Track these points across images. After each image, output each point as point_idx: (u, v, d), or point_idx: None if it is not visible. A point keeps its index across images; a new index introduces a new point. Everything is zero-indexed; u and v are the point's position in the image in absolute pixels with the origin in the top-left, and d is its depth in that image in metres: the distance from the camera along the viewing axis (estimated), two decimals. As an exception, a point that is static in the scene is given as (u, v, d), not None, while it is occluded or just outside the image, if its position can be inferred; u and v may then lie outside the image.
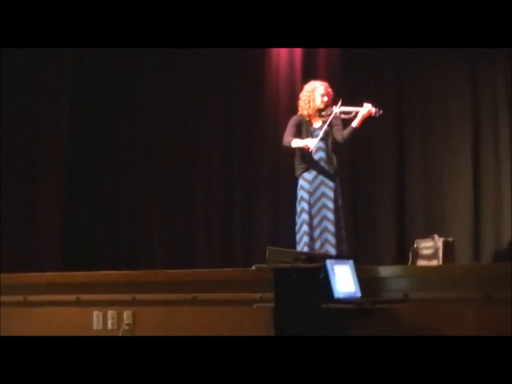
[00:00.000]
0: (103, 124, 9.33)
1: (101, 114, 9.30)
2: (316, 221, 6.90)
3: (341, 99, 6.85)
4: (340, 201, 6.97)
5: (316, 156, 6.94)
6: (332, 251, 6.80)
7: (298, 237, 6.96)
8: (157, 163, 9.25)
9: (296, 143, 6.94)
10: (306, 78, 8.33)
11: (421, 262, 7.00)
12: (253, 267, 5.95)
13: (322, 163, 6.94)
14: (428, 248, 7.05)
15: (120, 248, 9.18)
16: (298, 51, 8.74)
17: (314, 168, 6.94)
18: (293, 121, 7.10)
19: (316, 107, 6.99)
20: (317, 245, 6.88)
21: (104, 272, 7.09)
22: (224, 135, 9.06)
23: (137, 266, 8.84)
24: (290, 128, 7.06)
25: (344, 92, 7.26)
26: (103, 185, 9.27)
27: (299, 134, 7.00)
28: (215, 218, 9.00)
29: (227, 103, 9.05)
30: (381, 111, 6.82)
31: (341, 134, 6.88)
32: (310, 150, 6.85)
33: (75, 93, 9.26)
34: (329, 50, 8.62)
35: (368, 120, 6.88)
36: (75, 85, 9.27)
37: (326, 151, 6.95)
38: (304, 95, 7.07)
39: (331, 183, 6.93)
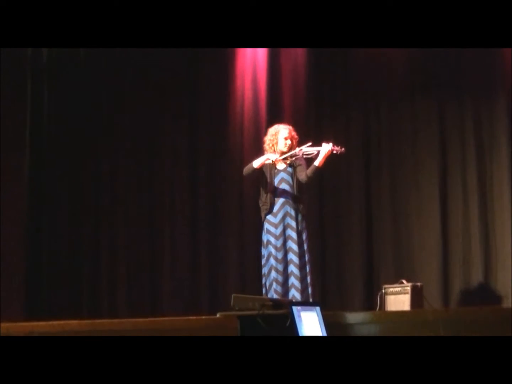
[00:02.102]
0: (64, 163, 9.15)
1: (63, 155, 9.13)
2: (282, 265, 6.81)
3: (310, 143, 6.82)
4: (306, 245, 6.88)
5: (281, 198, 6.87)
6: (299, 296, 6.71)
7: (267, 282, 6.87)
8: (121, 203, 9.06)
9: (257, 162, 6.91)
10: (271, 117, 8.37)
11: (390, 308, 6.91)
12: (218, 315, 5.83)
13: (288, 206, 6.86)
14: (396, 293, 6.98)
15: (82, 295, 8.97)
16: (263, 89, 8.70)
17: (279, 211, 6.85)
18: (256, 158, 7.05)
19: (280, 150, 6.94)
20: (284, 290, 6.79)
21: (64, 322, 6.89)
22: (189, 176, 8.94)
23: (100, 313, 8.65)
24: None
25: (310, 130, 7.20)
26: (65, 228, 9.08)
27: (262, 175, 6.95)
28: (181, 261, 8.84)
29: (192, 142, 8.95)
30: (343, 149, 6.81)
31: (304, 174, 6.82)
32: (272, 162, 6.84)
33: (35, 137, 9.10)
34: (295, 87, 8.61)
35: (334, 161, 6.88)
36: (34, 130, 9.12)
37: (292, 193, 6.88)
38: (268, 138, 7.05)
39: (297, 226, 6.83)
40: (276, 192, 6.87)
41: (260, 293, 6.97)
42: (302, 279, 6.78)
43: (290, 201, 6.86)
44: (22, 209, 8.98)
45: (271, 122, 8.32)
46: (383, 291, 7.15)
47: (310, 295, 6.83)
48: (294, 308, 5.47)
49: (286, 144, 6.94)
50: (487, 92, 8.00)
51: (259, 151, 8.05)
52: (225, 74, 8.82)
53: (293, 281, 6.77)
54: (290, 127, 7.02)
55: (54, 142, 9.08)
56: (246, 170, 7.03)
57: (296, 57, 8.66)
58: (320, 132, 7.37)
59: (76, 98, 9.06)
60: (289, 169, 6.89)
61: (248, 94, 8.74)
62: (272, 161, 6.88)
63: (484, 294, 7.74)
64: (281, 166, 6.95)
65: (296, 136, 6.99)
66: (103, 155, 9.12)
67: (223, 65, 8.83)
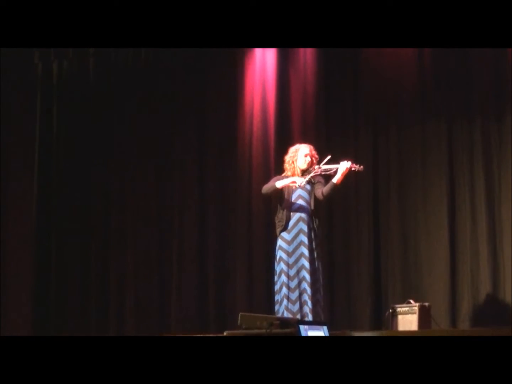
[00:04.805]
0: (74, 180, 9.18)
1: (71, 172, 9.17)
2: (294, 283, 6.81)
3: (329, 156, 6.85)
4: (317, 263, 6.89)
5: (296, 215, 6.88)
6: (310, 313, 6.72)
7: (278, 298, 6.87)
8: (130, 220, 9.10)
9: (281, 183, 6.94)
10: (280, 135, 8.39)
11: (397, 328, 6.88)
12: (224, 333, 5.82)
13: (302, 223, 6.87)
14: (404, 313, 6.95)
15: (91, 312, 8.98)
16: (272, 107, 8.72)
17: (293, 228, 6.87)
18: (276, 177, 7.09)
19: (299, 168, 6.98)
20: (296, 307, 6.78)
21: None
22: (198, 193, 8.96)
23: (108, 330, 8.65)
24: (272, 181, 7.05)
25: (320, 151, 7.20)
26: (73, 246, 9.10)
27: (281, 192, 6.97)
28: (189, 278, 8.84)
29: (201, 160, 8.98)
30: (361, 167, 6.84)
31: (321, 191, 6.85)
32: (297, 186, 6.84)
33: (43, 156, 9.14)
34: (304, 108, 8.62)
35: (344, 180, 6.86)
36: (43, 147, 9.15)
37: (307, 210, 6.90)
38: (288, 156, 7.10)
39: (310, 244, 6.85)
40: (292, 209, 6.90)
41: (269, 310, 6.96)
42: (313, 296, 6.78)
43: (305, 218, 6.88)
44: (31, 226, 9.02)
45: (279, 140, 8.40)
46: (390, 310, 7.13)
47: (320, 312, 6.83)
48: (302, 327, 5.47)
49: (305, 161, 6.99)
50: (496, 112, 7.98)
51: (267, 169, 8.08)
52: (234, 92, 8.86)
53: (305, 298, 6.78)
54: (311, 146, 7.08)
55: (62, 159, 9.13)
56: (266, 188, 7.03)
57: (305, 75, 8.68)
58: (330, 151, 7.36)
59: (85, 114, 9.11)
60: (307, 187, 6.93)
61: (257, 112, 8.77)
62: (298, 186, 6.88)
63: (492, 314, 7.70)
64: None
65: (316, 156, 7.03)
66: (113, 174, 9.17)
67: (232, 83, 8.87)
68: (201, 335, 6.35)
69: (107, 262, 9.07)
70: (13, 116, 8.96)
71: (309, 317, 6.70)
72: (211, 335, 6.34)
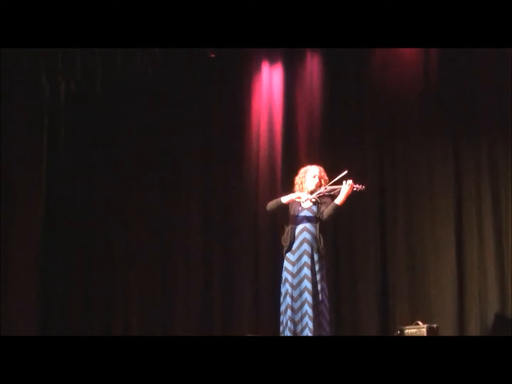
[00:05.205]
0: (79, 186, 9.19)
1: (76, 177, 9.19)
2: (297, 304, 6.81)
3: (346, 171, 6.85)
4: (321, 284, 6.86)
5: (301, 236, 6.88)
6: (311, 335, 6.69)
7: (283, 319, 6.86)
8: (134, 229, 9.08)
9: (286, 198, 6.96)
10: (286, 157, 8.37)
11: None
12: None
13: (306, 244, 6.86)
14: (412, 334, 6.94)
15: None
16: (278, 128, 8.72)
17: (298, 249, 6.87)
18: (283, 195, 7.10)
19: (307, 188, 7.00)
20: (299, 328, 6.77)
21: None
22: (203, 211, 8.95)
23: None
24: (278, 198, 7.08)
25: (327, 170, 7.19)
26: (79, 250, 9.10)
27: (286, 212, 6.98)
28: (194, 295, 8.83)
29: (206, 178, 8.98)
30: (363, 187, 6.83)
31: (325, 211, 6.86)
32: (302, 201, 6.87)
33: (51, 160, 9.16)
34: (310, 127, 8.63)
35: (350, 198, 6.87)
36: (51, 155, 9.19)
37: (312, 232, 6.90)
38: (298, 177, 7.13)
39: (314, 266, 6.84)
40: (297, 230, 6.90)
41: (276, 330, 6.96)
42: (315, 318, 6.75)
43: (310, 239, 6.87)
44: (36, 226, 9.03)
45: (286, 159, 8.41)
46: (398, 332, 7.11)
47: (324, 335, 6.79)
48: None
49: (313, 182, 7.01)
50: (502, 129, 7.97)
51: (274, 187, 8.06)
52: (240, 110, 8.88)
53: (307, 320, 6.75)
54: (321, 168, 7.10)
55: (69, 177, 9.14)
56: (272, 204, 7.05)
57: (312, 94, 8.69)
58: (335, 170, 7.36)
59: (92, 134, 9.14)
60: (314, 208, 6.94)
61: (263, 131, 8.82)
62: (303, 200, 6.90)
63: (501, 333, 7.66)
64: (306, 204, 6.96)
65: (326, 178, 7.04)
66: (117, 184, 9.18)
67: (239, 101, 8.90)
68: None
69: (111, 267, 9.04)
70: (20, 137, 8.97)
71: None
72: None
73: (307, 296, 6.78)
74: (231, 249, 8.79)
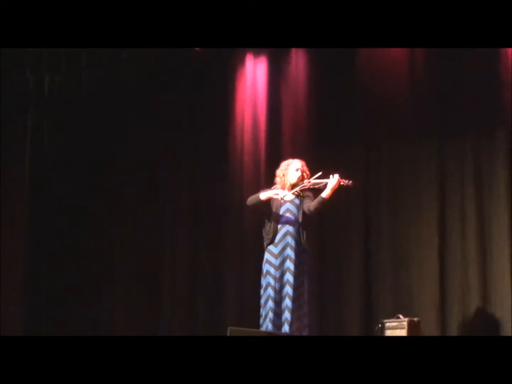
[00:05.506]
0: (65, 192, 9.21)
1: (63, 183, 9.18)
2: (279, 296, 6.85)
3: (320, 172, 6.90)
4: (302, 278, 6.90)
5: (284, 229, 6.91)
6: (288, 329, 6.72)
7: (263, 312, 6.88)
8: (121, 228, 9.17)
9: (265, 194, 6.98)
10: (270, 153, 8.40)
11: (387, 342, 6.87)
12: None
13: (289, 236, 6.90)
14: (393, 328, 6.98)
15: (82, 315, 8.98)
16: (262, 124, 8.75)
17: (281, 241, 6.90)
18: (263, 190, 7.11)
19: (289, 181, 7.02)
20: (280, 321, 6.82)
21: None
22: (190, 206, 9.02)
23: (99, 332, 8.67)
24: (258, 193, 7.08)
25: (311, 166, 7.22)
26: (65, 249, 9.12)
27: (268, 204, 7.00)
28: (180, 290, 8.87)
29: (191, 174, 9.06)
30: (350, 182, 6.89)
31: (311, 205, 6.89)
32: (281, 199, 6.89)
33: (35, 168, 9.18)
34: (295, 123, 8.65)
35: (336, 193, 6.90)
36: (34, 162, 9.17)
37: (295, 225, 6.94)
38: (279, 170, 7.16)
39: (298, 258, 6.86)
40: (280, 222, 6.94)
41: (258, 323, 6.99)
42: (294, 311, 6.79)
43: (293, 232, 6.91)
44: (23, 226, 9.04)
45: (270, 155, 8.46)
46: (380, 325, 7.16)
47: (302, 328, 6.83)
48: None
49: (296, 175, 7.03)
50: (488, 129, 8.01)
51: (258, 183, 8.09)
52: (225, 107, 8.94)
53: (286, 315, 6.79)
54: (303, 162, 7.12)
55: (53, 173, 9.15)
56: (251, 200, 7.07)
57: (297, 90, 8.71)
58: (321, 166, 7.41)
59: (77, 128, 9.14)
60: (296, 201, 6.98)
61: (247, 127, 8.86)
62: (281, 197, 6.92)
63: (481, 329, 7.72)
64: (288, 197, 7.00)
65: (307, 172, 7.07)
66: (106, 182, 9.24)
67: (223, 97, 8.95)
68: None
69: (99, 266, 9.09)
70: (3, 131, 8.96)
71: (288, 333, 6.69)
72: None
73: (289, 289, 6.82)
74: (216, 245, 8.84)
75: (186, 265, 8.91)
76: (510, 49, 7.87)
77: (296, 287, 6.84)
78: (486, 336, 7.14)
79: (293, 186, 7.02)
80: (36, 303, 9.00)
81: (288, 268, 6.85)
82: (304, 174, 7.07)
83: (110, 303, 9.04)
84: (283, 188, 7.03)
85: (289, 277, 6.84)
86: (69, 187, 9.22)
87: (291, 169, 7.07)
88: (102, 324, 8.94)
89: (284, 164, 7.15)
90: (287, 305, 6.79)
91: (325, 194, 6.86)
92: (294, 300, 6.80)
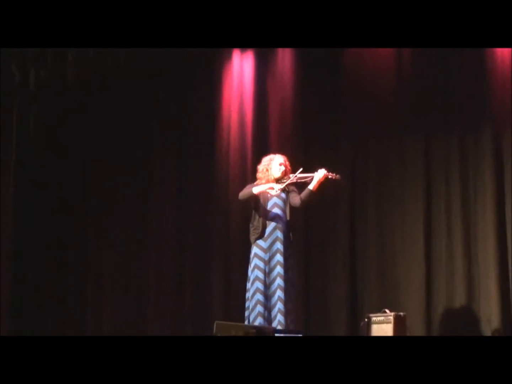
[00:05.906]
0: (51, 183, 9.18)
1: (49, 178, 9.16)
2: (271, 290, 6.87)
3: (301, 168, 6.93)
4: (292, 271, 6.96)
5: (272, 223, 6.96)
6: (283, 320, 6.76)
7: (250, 305, 6.91)
8: (107, 226, 9.13)
9: (258, 188, 7.00)
10: (257, 149, 8.41)
11: (373, 336, 6.92)
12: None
13: (278, 231, 6.94)
14: (379, 322, 7.00)
15: (67, 315, 8.96)
16: (249, 120, 8.76)
17: (270, 236, 6.94)
18: (250, 185, 7.15)
19: (274, 176, 7.05)
20: (272, 314, 6.84)
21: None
22: (176, 202, 8.99)
23: (85, 332, 8.66)
24: (247, 188, 7.09)
25: (298, 161, 7.25)
26: (50, 248, 9.09)
27: (256, 199, 7.03)
28: (166, 284, 8.87)
29: (177, 170, 9.03)
30: (337, 176, 6.94)
31: (298, 198, 6.92)
32: (274, 192, 6.94)
33: (19, 171, 9.17)
34: (282, 119, 8.66)
35: (321, 190, 6.94)
36: (20, 160, 9.16)
37: (283, 218, 6.98)
38: (262, 165, 7.19)
39: (286, 252, 6.92)
40: (268, 217, 6.98)
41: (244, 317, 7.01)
42: (286, 304, 6.83)
43: (281, 226, 6.95)
44: (8, 228, 8.98)
45: (257, 151, 8.45)
46: (366, 320, 7.19)
47: (294, 321, 6.88)
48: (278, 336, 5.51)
49: (280, 170, 7.06)
50: (474, 125, 8.06)
51: (244, 179, 8.09)
52: (211, 102, 8.90)
53: (279, 306, 6.81)
54: (285, 157, 7.16)
55: (39, 172, 9.11)
56: (243, 194, 7.08)
57: (283, 86, 8.72)
58: (307, 162, 7.42)
59: (62, 122, 9.12)
60: (282, 195, 7.02)
61: (234, 122, 8.83)
62: (275, 191, 6.96)
63: (466, 325, 7.77)
64: (274, 192, 7.02)
65: (289, 167, 7.12)
66: (90, 180, 9.22)
67: (209, 93, 8.91)
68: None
69: (84, 266, 9.06)
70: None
71: (283, 325, 6.74)
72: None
73: (280, 281, 6.86)
74: (203, 240, 8.82)
75: (172, 261, 8.89)
76: (496, 49, 7.93)
77: (286, 280, 6.87)
78: (471, 336, 7.19)
79: (277, 180, 7.05)
80: (20, 303, 8.95)
81: (279, 262, 6.89)
82: (286, 168, 7.10)
83: (95, 305, 9.00)
84: (267, 182, 7.05)
85: (280, 270, 6.88)
86: (55, 184, 9.18)
87: (275, 164, 7.10)
88: (89, 324, 8.93)
89: (266, 159, 7.18)
90: (279, 297, 6.83)
91: (312, 186, 6.92)
92: (285, 292, 6.84)
